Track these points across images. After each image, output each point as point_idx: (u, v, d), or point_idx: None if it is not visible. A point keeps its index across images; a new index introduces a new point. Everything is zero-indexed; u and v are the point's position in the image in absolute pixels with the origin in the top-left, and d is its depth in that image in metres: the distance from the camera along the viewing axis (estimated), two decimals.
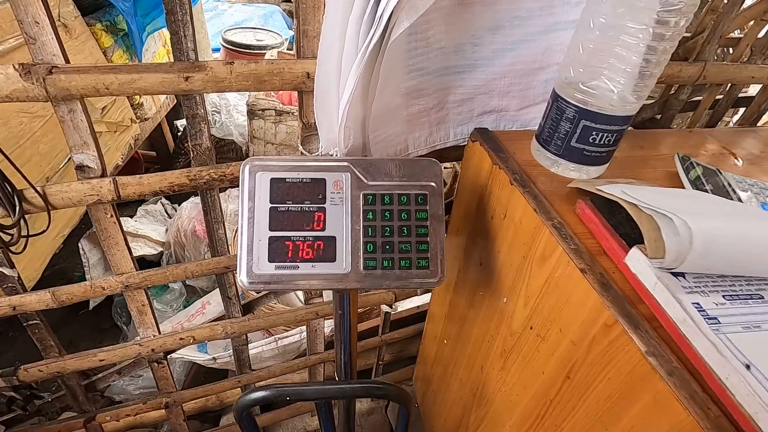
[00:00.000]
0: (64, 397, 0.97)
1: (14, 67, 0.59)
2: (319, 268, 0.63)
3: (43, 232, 0.70)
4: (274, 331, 1.34)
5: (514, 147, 0.75)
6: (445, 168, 1.70)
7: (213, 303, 1.44)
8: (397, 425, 0.74)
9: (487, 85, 0.78)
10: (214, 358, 1.24)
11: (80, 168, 0.70)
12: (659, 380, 0.42)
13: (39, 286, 1.33)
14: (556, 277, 0.57)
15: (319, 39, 0.69)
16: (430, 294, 1.14)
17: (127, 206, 2.39)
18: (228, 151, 2.33)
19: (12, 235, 0.68)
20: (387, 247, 0.64)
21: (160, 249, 1.90)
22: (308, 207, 0.64)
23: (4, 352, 1.66)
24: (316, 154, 0.79)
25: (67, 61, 0.62)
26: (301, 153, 0.79)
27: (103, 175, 0.71)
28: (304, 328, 1.20)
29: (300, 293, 1.42)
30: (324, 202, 0.64)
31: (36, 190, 0.68)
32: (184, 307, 1.74)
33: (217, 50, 2.91)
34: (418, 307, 1.33)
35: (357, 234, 0.64)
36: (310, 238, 0.63)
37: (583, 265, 0.52)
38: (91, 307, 1.75)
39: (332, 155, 0.75)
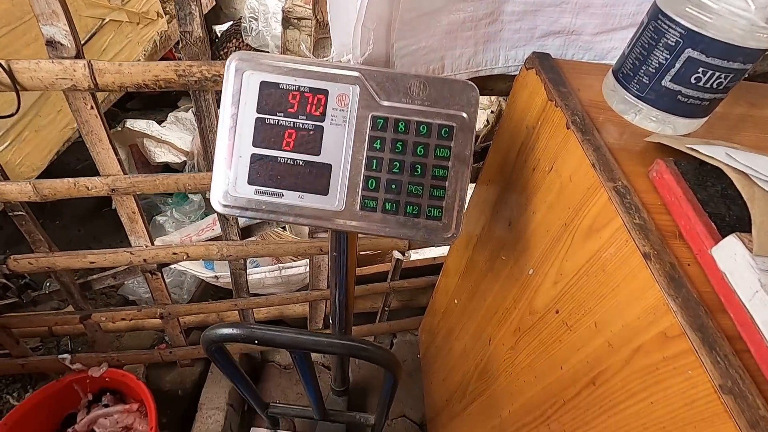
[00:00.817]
0: (60, 291, 0.96)
1: None
2: (307, 200, 0.52)
3: (11, 115, 0.62)
4: (280, 258, 1.28)
5: (579, 82, 0.57)
6: (489, 100, 1.50)
7: (218, 218, 1.38)
8: (382, 390, 0.66)
9: None
10: (217, 276, 1.21)
11: (50, 44, 0.59)
12: (733, 429, 0.29)
13: (47, 176, 1.31)
14: (604, 258, 0.43)
15: None
16: (448, 247, 1.02)
17: (160, 111, 2.35)
18: None
19: None
20: (393, 186, 0.51)
21: (184, 158, 1.86)
22: (303, 123, 0.51)
23: (18, 244, 1.72)
24: (326, 59, 0.65)
25: None
26: (307, 56, 0.65)
27: (78, 56, 0.60)
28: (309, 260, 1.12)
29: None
30: (323, 120, 0.51)
31: (2, 66, 0.58)
32: (202, 219, 1.72)
33: None
34: (434, 258, 1.22)
35: (358, 165, 0.51)
36: (301, 163, 0.51)
37: (647, 248, 0.38)
38: (113, 207, 1.77)
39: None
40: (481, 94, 0.59)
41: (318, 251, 0.96)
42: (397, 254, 1.06)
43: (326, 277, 1.07)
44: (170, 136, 1.88)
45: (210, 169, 0.76)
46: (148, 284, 0.97)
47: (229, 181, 0.51)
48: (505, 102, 0.78)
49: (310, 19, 1.64)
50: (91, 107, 0.66)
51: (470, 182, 0.88)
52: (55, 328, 1.12)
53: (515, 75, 0.67)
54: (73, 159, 2.10)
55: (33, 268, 0.85)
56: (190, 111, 2.15)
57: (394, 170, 0.51)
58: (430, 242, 0.52)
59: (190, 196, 1.80)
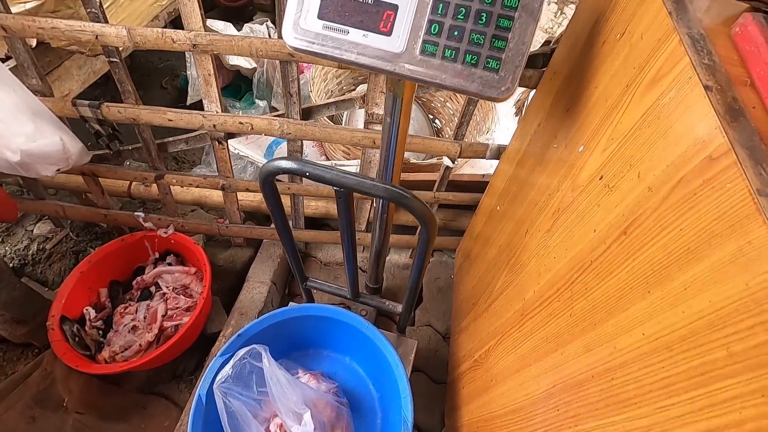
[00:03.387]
0: (140, 150, 1.08)
1: None
2: (370, 40, 0.54)
3: None
4: (332, 156, 1.33)
5: None
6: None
7: (283, 92, 1.44)
8: (417, 244, 0.70)
9: None
10: None
11: None
12: (761, 225, 0.29)
13: (136, 70, 1.39)
14: (661, 106, 0.42)
15: None
16: (497, 162, 1.01)
17: (237, 23, 2.42)
18: None
19: None
20: (455, 33, 0.52)
21: (255, 65, 1.93)
22: None
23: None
24: None
25: None
26: None
27: None
28: (359, 162, 1.16)
29: (362, 119, 1.38)
30: None
31: None
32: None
33: None
34: (482, 176, 1.22)
35: (424, 8, 0.52)
36: (370, 1, 0.53)
37: (710, 82, 0.37)
38: (188, 103, 1.89)
39: None
40: None
41: (371, 143, 0.99)
42: (446, 161, 1.07)
43: (375, 176, 1.11)
44: None
45: (280, 34, 0.80)
46: (215, 153, 1.06)
47: (300, 14, 0.54)
48: None
49: None
50: None
51: (531, 88, 0.86)
52: (133, 188, 1.26)
53: None
54: (157, 58, 2.26)
55: (121, 117, 0.96)
56: (265, 24, 2.20)
57: (458, 17, 0.51)
58: (485, 95, 0.53)
59: (257, 101, 1.89)
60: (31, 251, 1.50)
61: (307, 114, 0.99)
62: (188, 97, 1.92)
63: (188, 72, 1.86)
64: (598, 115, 0.55)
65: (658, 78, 0.43)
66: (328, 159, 1.32)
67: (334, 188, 0.63)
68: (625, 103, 0.49)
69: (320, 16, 0.54)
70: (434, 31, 0.52)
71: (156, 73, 2.23)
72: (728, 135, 0.33)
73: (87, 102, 0.94)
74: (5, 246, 1.47)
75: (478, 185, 1.20)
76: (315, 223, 1.46)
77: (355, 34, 0.54)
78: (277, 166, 0.62)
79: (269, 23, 2.22)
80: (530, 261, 0.70)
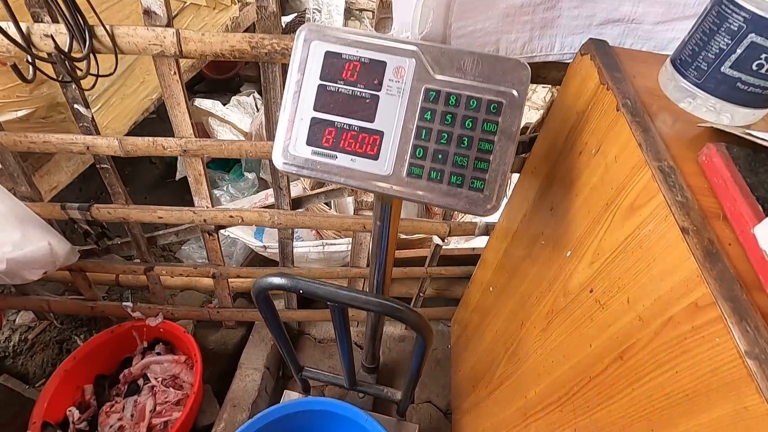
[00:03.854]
0: (130, 243, 1.07)
1: None
2: (358, 164, 0.56)
3: (110, 74, 0.70)
4: (324, 235, 1.34)
5: (635, 69, 0.58)
6: (540, 88, 1.48)
7: (273, 188, 1.46)
8: (413, 353, 0.70)
9: None
10: (265, 246, 1.29)
11: (147, 13, 0.67)
12: (755, 393, 0.29)
13: None
14: (641, 236, 0.44)
15: None
16: (487, 238, 1.03)
17: (224, 95, 2.49)
18: None
19: (82, 69, 0.69)
20: (439, 156, 0.54)
21: (243, 138, 1.97)
22: (360, 91, 0.55)
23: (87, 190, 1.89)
24: (390, 32, 0.68)
25: None
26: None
27: (169, 24, 0.68)
28: (350, 240, 1.17)
29: (351, 203, 1.39)
30: (379, 90, 0.55)
31: (105, 27, 0.67)
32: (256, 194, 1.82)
33: None
34: (473, 249, 1.23)
35: (408, 134, 0.54)
36: (356, 128, 0.55)
37: (686, 223, 0.38)
38: (177, 178, 1.91)
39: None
40: (533, 82, 0.61)
41: (361, 228, 1.00)
42: (436, 239, 1.08)
43: (366, 256, 1.12)
44: (232, 117, 2.01)
45: (270, 137, 0.82)
46: (205, 244, 1.06)
47: (289, 141, 0.57)
48: (557, 91, 0.78)
49: (371, 11, 1.70)
50: (174, 73, 0.74)
51: (514, 172, 0.89)
52: (121, 277, 1.24)
53: (569, 62, 0.67)
54: (146, 132, 2.30)
55: (111, 217, 0.96)
56: (252, 95, 2.28)
57: (441, 141, 0.54)
58: (471, 212, 0.54)
59: (245, 173, 1.91)
60: (12, 342, 1.44)
61: (297, 203, 1.00)
62: (177, 173, 1.94)
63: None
64: (582, 224, 0.56)
65: (636, 207, 0.45)
66: (320, 238, 1.33)
67: (328, 302, 0.63)
68: (607, 221, 0.51)
69: (309, 143, 0.56)
70: (419, 154, 0.54)
71: None
72: (710, 285, 0.34)
73: (77, 205, 0.94)
74: None
75: (470, 258, 1.21)
76: (307, 298, 1.44)
77: (344, 159, 0.56)
78: (269, 282, 0.62)
79: (256, 95, 2.30)
80: (529, 357, 0.69)
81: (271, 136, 0.84)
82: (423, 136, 0.54)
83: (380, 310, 0.59)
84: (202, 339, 1.38)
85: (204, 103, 1.94)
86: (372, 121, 0.55)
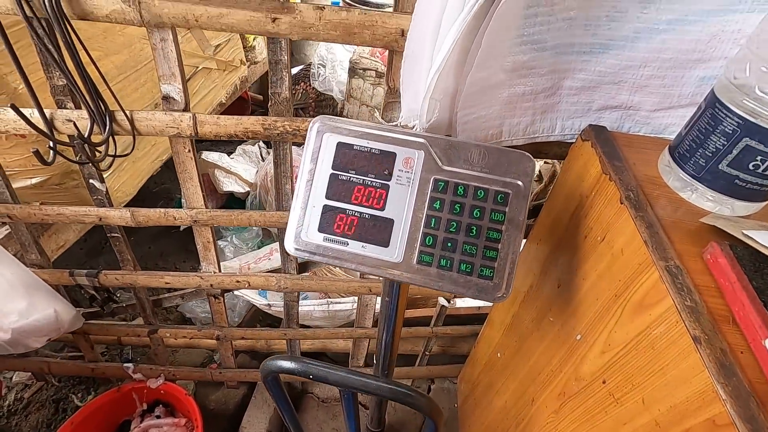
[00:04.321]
0: (134, 306, 1.07)
1: None
2: (369, 251, 0.57)
3: (127, 154, 0.73)
4: (329, 293, 1.33)
5: (635, 156, 0.60)
6: (544, 162, 1.52)
7: (280, 251, 1.47)
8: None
9: (617, 73, 0.62)
10: (269, 305, 1.28)
11: (166, 99, 0.70)
12: None
13: (134, 201, 1.46)
14: (653, 336, 0.44)
15: None
16: None
17: (229, 143, 2.55)
18: (326, 107, 2.35)
19: (101, 152, 0.72)
20: (449, 244, 0.55)
21: (248, 189, 2.00)
22: (371, 181, 0.57)
23: (96, 256, 1.89)
24: (394, 123, 0.71)
25: None
26: (379, 120, 0.72)
27: (186, 109, 0.71)
28: (356, 298, 1.17)
29: None
30: (389, 179, 0.57)
31: (125, 113, 0.70)
32: (258, 247, 1.83)
33: (336, 3, 2.90)
34: (478, 308, 1.22)
35: (417, 222, 0.56)
36: (366, 216, 0.57)
37: (698, 332, 0.39)
38: (181, 228, 1.93)
39: (411, 128, 0.67)
40: (536, 157, 0.63)
41: (367, 291, 1.01)
42: (442, 300, 1.08)
43: (372, 317, 1.11)
44: (238, 168, 2.05)
45: (279, 207, 0.84)
46: (210, 307, 1.06)
47: (302, 227, 0.58)
48: (559, 165, 0.80)
49: (374, 70, 1.77)
50: (189, 151, 0.77)
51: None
52: (123, 338, 1.23)
53: (571, 142, 0.70)
54: (152, 183, 2.34)
55: (118, 283, 0.96)
56: (257, 144, 2.33)
57: (450, 230, 0.55)
58: (482, 299, 0.55)
59: None
60: (7, 401, 1.41)
61: (303, 266, 1.01)
62: (182, 224, 1.96)
63: (183, 197, 1.92)
64: (591, 310, 0.57)
65: (645, 305, 0.46)
66: (326, 296, 1.32)
67: (339, 388, 0.62)
68: (617, 313, 0.51)
69: (321, 229, 0.58)
70: (429, 242, 0.55)
71: (151, 197, 2.29)
72: (727, 404, 0.34)
73: (85, 272, 0.95)
74: None
75: (476, 317, 1.20)
76: (310, 356, 1.42)
77: (355, 246, 0.57)
78: (279, 366, 0.62)
79: (261, 143, 2.35)
80: None
81: (280, 206, 0.85)
82: (432, 225, 0.56)
83: (392, 396, 0.59)
84: (203, 398, 1.35)
85: (210, 156, 1.98)
86: (383, 209, 0.57)
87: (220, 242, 1.85)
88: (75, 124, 0.68)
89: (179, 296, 1.06)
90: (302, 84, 2.47)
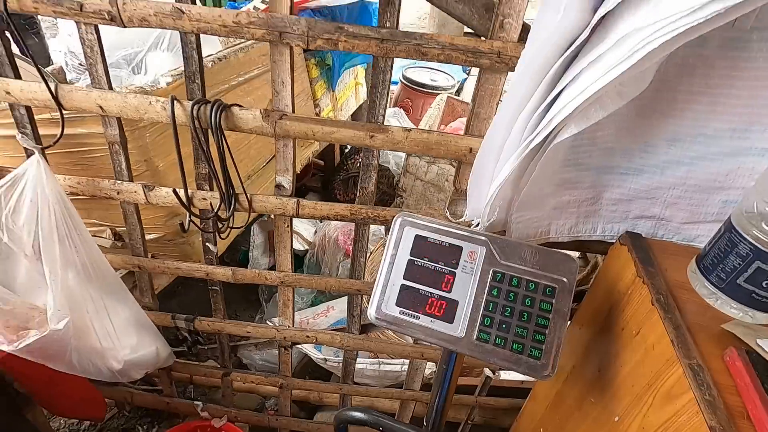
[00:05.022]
0: (215, 349, 1.23)
1: (260, 111, 0.80)
2: (436, 325, 0.70)
3: (242, 227, 0.92)
4: (380, 354, 1.44)
5: (667, 262, 0.71)
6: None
7: (336, 309, 1.62)
8: None
9: (650, 191, 0.75)
10: (326, 359, 1.40)
11: (278, 187, 0.90)
12: None
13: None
14: (679, 423, 0.53)
15: (488, 122, 0.77)
16: None
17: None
18: (381, 177, 2.57)
19: (223, 224, 0.91)
20: (503, 326, 0.67)
21: (307, 247, 2.20)
22: (441, 268, 0.71)
23: (170, 299, 2.10)
24: (460, 219, 0.86)
25: (293, 111, 0.82)
26: (447, 216, 0.88)
27: (292, 195, 0.91)
28: (407, 360, 1.27)
29: None
30: (456, 268, 0.71)
31: (246, 196, 0.90)
32: (312, 303, 1.98)
33: (395, 83, 3.24)
34: (521, 382, 1.28)
35: (478, 305, 0.69)
36: (436, 296, 0.70)
37: (714, 423, 0.48)
38: None
39: (474, 225, 0.82)
40: (579, 250, 0.75)
41: (419, 356, 1.11)
42: (487, 371, 1.16)
43: (421, 380, 1.20)
44: (300, 228, 2.27)
45: (351, 275, 0.99)
46: (279, 357, 1.20)
47: (382, 301, 0.72)
48: (601, 258, 0.91)
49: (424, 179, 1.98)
50: (287, 226, 0.95)
51: None
52: (195, 377, 1.38)
53: (611, 242, 0.81)
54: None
55: (208, 329, 1.13)
56: None
57: (505, 314, 0.67)
58: (531, 376, 0.65)
59: None
60: (83, 426, 1.57)
61: (365, 328, 1.14)
62: None
63: (251, 251, 2.14)
64: (628, 395, 0.65)
65: (671, 396, 0.55)
66: (377, 356, 1.43)
67: None
68: (649, 400, 0.60)
69: (398, 304, 0.71)
70: (487, 323, 0.68)
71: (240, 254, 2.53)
72: None
73: (184, 316, 1.13)
74: (59, 420, 1.56)
75: (519, 390, 1.26)
76: None
77: (425, 320, 0.70)
78: (351, 416, 0.74)
79: None
80: None
81: (353, 275, 1.01)
82: (490, 308, 0.68)
83: None
84: None
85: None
86: (450, 291, 0.70)
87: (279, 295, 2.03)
88: (210, 203, 0.88)
89: (253, 344, 1.21)
90: (357, 156, 2.73)
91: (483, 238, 0.71)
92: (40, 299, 0.90)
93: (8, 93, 0.82)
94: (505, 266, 0.69)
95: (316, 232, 2.29)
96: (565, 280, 0.67)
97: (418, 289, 0.71)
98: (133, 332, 1.06)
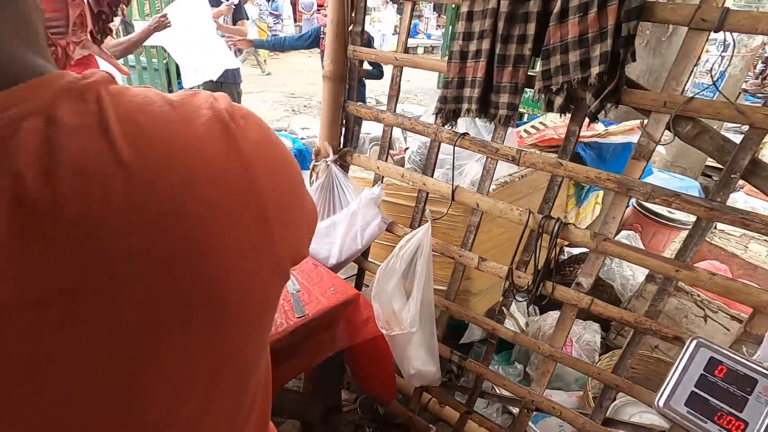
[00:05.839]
0: (466, 389, 1.56)
1: (590, 232, 1.15)
2: None
3: (546, 299, 1.27)
4: None
5: None
6: None
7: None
8: None
9: None
10: None
11: (578, 284, 1.22)
12: None
13: None
14: None
15: None
16: None
17: None
18: (602, 292, 2.66)
19: (531, 296, 1.28)
20: None
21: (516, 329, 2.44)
22: (734, 390, 0.89)
23: None
24: (755, 358, 1.02)
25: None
26: (740, 350, 1.04)
27: (588, 293, 1.21)
28: None
29: None
30: (750, 394, 0.88)
31: (553, 286, 1.25)
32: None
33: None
34: None
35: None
36: (726, 411, 0.88)
37: None
38: None
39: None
40: None
41: None
42: None
43: None
44: (516, 313, 2.54)
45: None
46: (517, 416, 1.45)
47: (671, 397, 0.93)
48: None
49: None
50: (573, 314, 1.25)
51: None
52: (431, 404, 1.74)
53: None
54: None
55: (476, 369, 1.48)
56: None
57: None
58: None
59: (515, 362, 2.32)
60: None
61: (606, 423, 1.31)
62: None
63: None
64: None
65: None
66: None
67: None
68: None
69: (686, 405, 0.92)
70: None
71: None
72: None
73: (459, 354, 1.51)
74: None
75: None
76: None
77: (712, 426, 0.88)
78: None
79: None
80: None
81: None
82: None
83: None
84: None
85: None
86: (741, 412, 0.87)
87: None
88: (528, 281, 1.27)
89: (498, 397, 1.50)
90: (578, 266, 2.88)
91: None
92: (396, 306, 1.41)
93: (424, 184, 1.39)
94: None
95: (527, 324, 2.51)
96: None
97: (708, 399, 0.91)
98: (430, 357, 1.49)
